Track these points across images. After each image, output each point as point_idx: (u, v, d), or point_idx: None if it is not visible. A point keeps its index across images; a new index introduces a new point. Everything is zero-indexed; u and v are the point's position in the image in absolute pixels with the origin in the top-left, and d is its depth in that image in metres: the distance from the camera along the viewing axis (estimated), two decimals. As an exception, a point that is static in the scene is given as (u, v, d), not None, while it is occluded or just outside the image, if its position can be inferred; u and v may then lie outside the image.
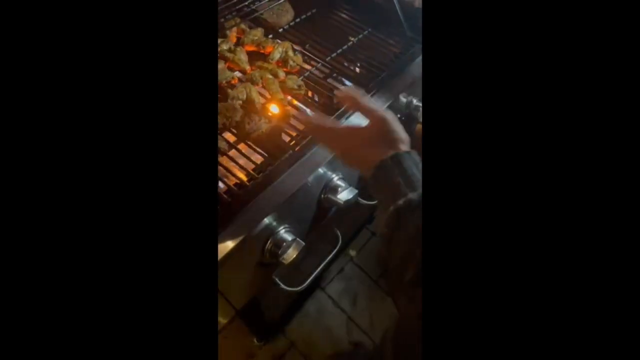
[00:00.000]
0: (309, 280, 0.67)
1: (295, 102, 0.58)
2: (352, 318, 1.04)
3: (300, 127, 0.56)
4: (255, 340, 0.96)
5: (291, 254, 0.48)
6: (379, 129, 0.38)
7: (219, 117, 0.52)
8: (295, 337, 1.01)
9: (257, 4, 0.60)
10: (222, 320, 0.49)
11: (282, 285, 0.64)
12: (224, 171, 0.50)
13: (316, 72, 0.63)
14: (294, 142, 0.53)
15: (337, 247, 0.69)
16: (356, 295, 1.09)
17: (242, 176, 0.50)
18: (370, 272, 1.13)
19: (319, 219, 0.60)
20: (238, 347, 0.96)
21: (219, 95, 0.56)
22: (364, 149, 0.38)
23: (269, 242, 0.49)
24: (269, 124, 0.52)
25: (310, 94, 0.61)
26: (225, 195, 0.47)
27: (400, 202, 0.32)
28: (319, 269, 0.68)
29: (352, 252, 1.16)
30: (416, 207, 0.32)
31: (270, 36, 0.66)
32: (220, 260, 0.43)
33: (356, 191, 0.55)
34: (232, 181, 0.49)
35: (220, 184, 0.49)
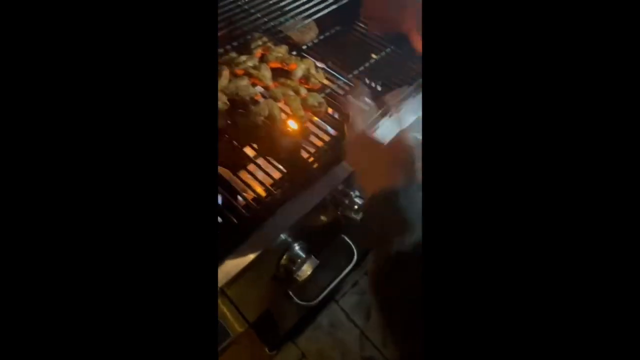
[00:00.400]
0: (322, 295, 0.67)
1: (315, 119, 0.59)
2: (365, 333, 1.03)
3: (319, 143, 0.57)
4: (267, 350, 0.97)
5: (305, 271, 0.49)
6: (400, 153, 0.38)
7: (240, 132, 0.53)
8: (306, 348, 1.01)
9: (283, 21, 0.61)
10: (234, 331, 0.50)
11: (296, 299, 0.64)
12: (243, 185, 0.52)
13: (338, 90, 0.64)
14: (312, 158, 0.54)
15: (353, 262, 0.69)
16: (370, 310, 1.08)
17: (261, 191, 0.51)
18: (385, 286, 1.12)
19: (335, 235, 0.60)
20: (249, 356, 0.97)
21: (241, 111, 0.58)
22: (379, 168, 0.38)
23: (284, 257, 0.50)
24: (290, 140, 0.53)
25: (330, 111, 0.62)
26: (243, 210, 0.48)
27: (392, 251, 0.30)
28: (333, 283, 0.68)
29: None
30: (407, 260, 0.30)
31: (294, 53, 0.68)
32: (236, 274, 0.44)
33: (373, 210, 0.55)
34: (250, 195, 0.50)
35: (239, 198, 0.51)
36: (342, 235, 0.69)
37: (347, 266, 0.70)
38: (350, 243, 0.70)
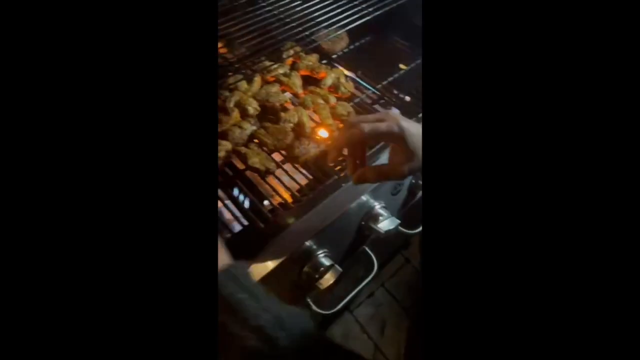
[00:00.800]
0: (341, 305, 0.66)
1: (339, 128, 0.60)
2: (380, 347, 1.01)
3: (346, 152, 0.57)
4: (280, 356, 0.96)
5: (328, 279, 0.48)
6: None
7: (270, 138, 0.54)
8: (319, 357, 1.00)
9: (315, 31, 0.62)
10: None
11: (314, 307, 0.64)
12: (270, 190, 0.52)
13: (366, 99, 0.64)
14: (339, 167, 0.54)
15: (373, 273, 0.68)
16: (385, 323, 1.06)
17: (287, 196, 0.51)
18: (401, 299, 1.10)
19: (357, 245, 0.60)
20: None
21: (271, 117, 0.59)
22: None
23: (307, 265, 0.50)
24: (318, 148, 0.53)
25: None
26: (269, 214, 0.48)
27: None
28: (352, 294, 0.67)
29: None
30: None
31: (324, 62, 0.69)
32: (260, 279, 0.44)
33: (398, 221, 0.54)
34: (277, 200, 0.51)
35: (266, 202, 0.51)
36: (364, 247, 0.68)
37: (366, 277, 0.69)
38: (371, 254, 0.69)
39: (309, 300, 0.63)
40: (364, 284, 0.68)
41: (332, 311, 0.65)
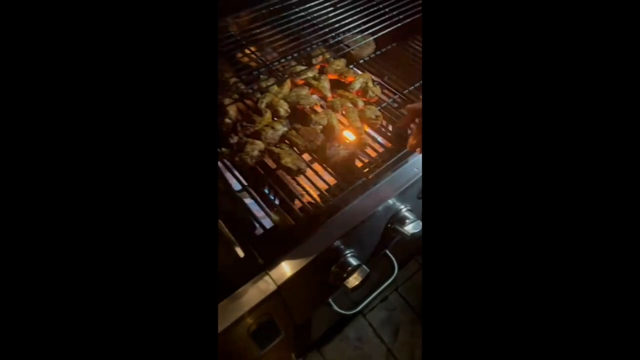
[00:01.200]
0: (361, 306, 0.67)
1: (368, 130, 0.61)
2: (392, 351, 1.01)
3: (373, 154, 0.58)
4: (294, 356, 0.97)
5: (356, 279, 0.49)
6: None
7: (300, 139, 0.56)
8: (331, 358, 1.00)
9: (344, 37, 0.64)
10: (279, 335, 0.51)
11: (335, 307, 0.65)
12: (300, 189, 0.53)
13: (393, 104, 0.65)
14: (367, 169, 0.55)
15: (394, 276, 0.69)
16: (398, 327, 1.06)
17: (316, 196, 0.52)
18: (414, 305, 1.10)
19: (381, 248, 0.61)
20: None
21: (301, 119, 0.60)
22: None
23: (335, 264, 0.51)
24: (347, 150, 0.54)
25: (384, 124, 0.63)
26: (300, 212, 0.50)
27: None
28: (372, 295, 0.68)
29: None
30: None
31: (352, 67, 0.70)
32: (291, 276, 0.45)
33: (424, 225, 0.55)
34: (306, 199, 0.52)
35: (296, 201, 0.53)
36: (385, 250, 0.69)
37: (386, 280, 0.70)
38: (392, 257, 0.70)
39: (330, 299, 0.64)
40: (384, 285, 0.68)
41: (353, 312, 0.66)
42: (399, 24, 0.64)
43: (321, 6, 0.68)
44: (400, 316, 1.08)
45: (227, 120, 0.58)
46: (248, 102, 0.63)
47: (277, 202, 0.53)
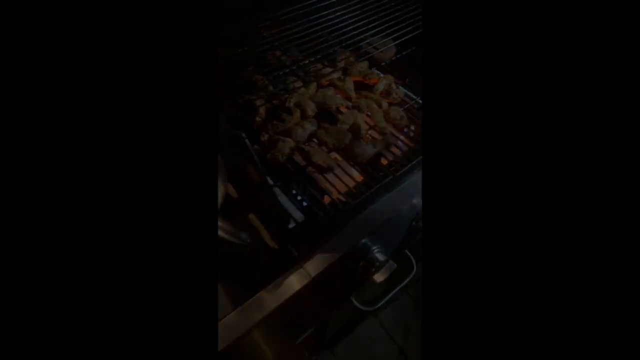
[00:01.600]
0: (380, 303, 0.68)
1: (395, 131, 0.63)
2: (404, 351, 1.02)
3: (398, 153, 0.59)
4: (307, 354, 0.98)
5: (383, 274, 0.51)
6: None
7: (329, 138, 0.57)
8: (344, 358, 1.01)
9: (366, 41, 0.66)
10: (304, 329, 0.52)
11: (356, 303, 0.66)
12: (329, 186, 0.55)
13: (414, 105, 0.67)
14: (393, 168, 0.57)
15: (412, 275, 0.70)
16: (409, 328, 1.07)
17: (345, 193, 0.54)
18: (425, 307, 1.11)
19: (404, 245, 0.62)
20: (289, 358, 0.98)
21: (328, 118, 0.62)
22: None
23: (362, 259, 0.52)
24: (375, 149, 0.56)
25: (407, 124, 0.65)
26: (329, 207, 0.51)
27: None
28: (391, 293, 0.69)
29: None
30: None
31: (374, 69, 0.72)
32: (321, 272, 0.47)
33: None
34: (335, 196, 0.54)
35: (325, 197, 0.54)
36: (405, 250, 0.70)
37: (404, 280, 0.71)
38: (411, 257, 0.71)
39: (352, 297, 0.65)
40: (404, 283, 0.70)
41: (374, 308, 0.68)
42: (419, 30, 0.66)
43: (347, 10, 0.70)
44: (412, 317, 1.09)
45: (258, 119, 0.59)
46: (276, 102, 0.65)
47: (305, 198, 0.54)
